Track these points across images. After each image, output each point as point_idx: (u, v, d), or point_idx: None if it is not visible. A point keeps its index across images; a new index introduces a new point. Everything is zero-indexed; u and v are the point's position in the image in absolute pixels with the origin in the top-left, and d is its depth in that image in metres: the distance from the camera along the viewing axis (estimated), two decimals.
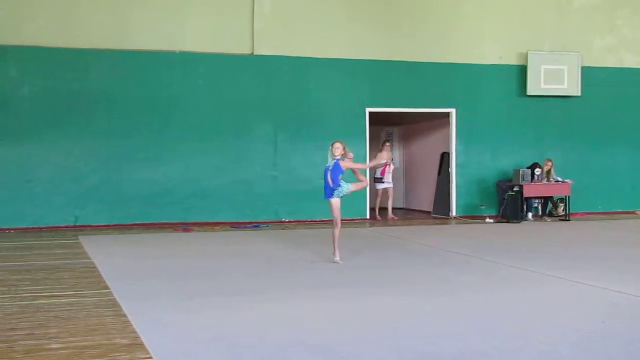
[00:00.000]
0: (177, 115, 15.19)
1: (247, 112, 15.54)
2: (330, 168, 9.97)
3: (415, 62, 16.37)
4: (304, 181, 15.75)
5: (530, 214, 16.34)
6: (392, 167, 17.16)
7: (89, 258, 10.44)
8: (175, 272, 9.35)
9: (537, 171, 16.02)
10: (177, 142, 15.14)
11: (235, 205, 15.38)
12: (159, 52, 15.09)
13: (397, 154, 19.85)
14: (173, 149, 15.12)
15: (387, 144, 17.27)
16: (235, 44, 15.53)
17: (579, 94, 17.10)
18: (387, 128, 19.64)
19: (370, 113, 16.26)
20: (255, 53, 15.59)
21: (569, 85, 17.02)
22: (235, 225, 14.97)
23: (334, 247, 10.06)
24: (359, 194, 15.97)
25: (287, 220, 15.61)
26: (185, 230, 14.31)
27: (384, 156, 16.50)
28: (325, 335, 6.09)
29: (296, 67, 15.81)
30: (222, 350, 5.57)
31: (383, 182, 16.92)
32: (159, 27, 15.12)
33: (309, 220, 15.67)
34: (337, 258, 9.99)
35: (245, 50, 15.59)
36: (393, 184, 17.20)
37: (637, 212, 17.25)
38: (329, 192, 10.02)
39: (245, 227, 14.80)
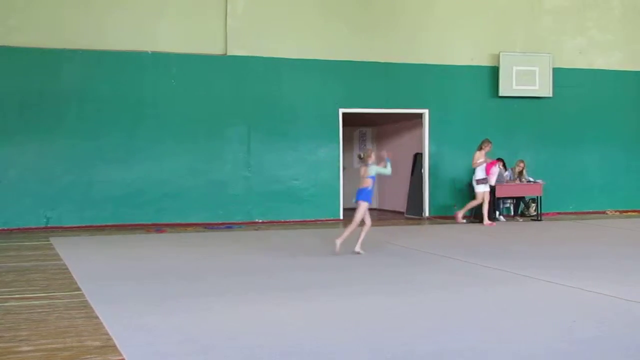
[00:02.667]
0: (149, 116, 15.11)
1: (220, 113, 15.49)
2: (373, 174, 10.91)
3: (388, 63, 16.42)
4: (277, 182, 15.75)
5: (502, 215, 16.44)
6: (497, 167, 15.71)
7: (60, 259, 10.35)
8: (148, 273, 9.29)
9: (500, 166, 16.04)
10: (149, 143, 15.05)
11: (208, 206, 15.33)
12: (132, 52, 15.00)
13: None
14: (145, 149, 15.03)
15: (489, 143, 15.51)
16: (208, 45, 15.47)
17: (550, 95, 17.24)
18: (360, 129, 19.68)
19: (343, 114, 16.28)
20: (228, 53, 15.55)
21: (541, 86, 17.15)
22: (208, 226, 14.91)
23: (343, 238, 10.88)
24: (332, 195, 16.05)
25: (260, 221, 15.57)
26: (158, 231, 14.23)
27: (481, 155, 15.40)
28: (299, 336, 6.08)
29: (270, 68, 15.79)
30: (195, 352, 5.54)
31: (486, 184, 15.45)
32: (131, 27, 15.02)
33: (282, 221, 15.66)
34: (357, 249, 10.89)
35: (218, 50, 15.54)
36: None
37: (608, 212, 17.42)
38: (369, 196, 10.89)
39: (218, 228, 14.75)
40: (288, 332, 6.18)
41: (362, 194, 10.83)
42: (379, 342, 5.93)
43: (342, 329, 6.36)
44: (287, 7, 15.94)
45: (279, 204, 15.72)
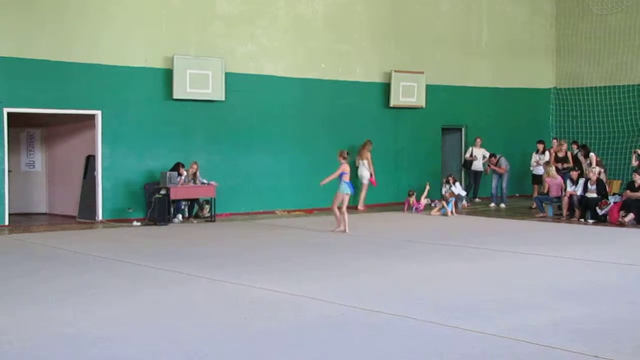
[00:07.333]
0: None
1: None
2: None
3: (60, 61, 15.70)
4: None
5: (179, 216, 16.54)
6: None
7: None
8: None
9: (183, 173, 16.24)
10: None
11: None
12: None
13: (40, 157, 18.93)
14: None
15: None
16: None
17: (223, 98, 17.66)
18: (28, 129, 18.65)
19: (9, 114, 15.32)
20: None
21: (214, 90, 17.51)
22: None
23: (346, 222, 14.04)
24: None
25: None
26: None
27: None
28: None
29: None
30: None
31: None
32: None
33: None
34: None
35: None
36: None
37: (277, 211, 18.26)
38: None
39: None
40: None
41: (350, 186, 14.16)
42: (45, 354, 5.70)
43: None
44: None
45: None
